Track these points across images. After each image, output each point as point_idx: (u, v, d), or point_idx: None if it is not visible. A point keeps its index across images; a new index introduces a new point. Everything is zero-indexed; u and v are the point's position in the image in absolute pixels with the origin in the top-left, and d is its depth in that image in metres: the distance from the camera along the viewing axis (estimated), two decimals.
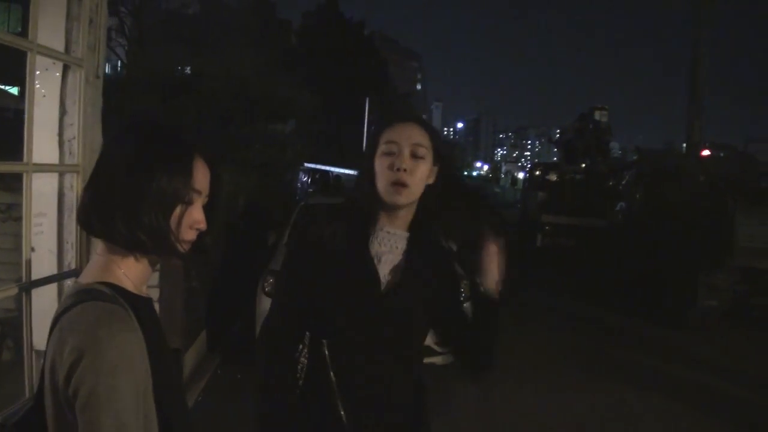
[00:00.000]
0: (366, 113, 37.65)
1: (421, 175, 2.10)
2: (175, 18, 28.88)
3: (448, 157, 2.27)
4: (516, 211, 26.89)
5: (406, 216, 2.19)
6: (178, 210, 1.54)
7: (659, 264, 11.00)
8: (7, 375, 5.03)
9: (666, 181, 11.96)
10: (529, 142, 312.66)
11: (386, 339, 2.12)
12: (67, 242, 3.58)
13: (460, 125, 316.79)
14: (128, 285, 1.56)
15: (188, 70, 11.77)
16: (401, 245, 2.20)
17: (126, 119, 3.96)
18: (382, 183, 2.10)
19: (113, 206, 1.51)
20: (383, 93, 43.29)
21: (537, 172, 21.76)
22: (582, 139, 21.40)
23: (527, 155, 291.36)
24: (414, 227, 2.22)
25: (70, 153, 3.54)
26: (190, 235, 1.58)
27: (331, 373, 2.08)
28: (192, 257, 1.70)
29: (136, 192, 1.50)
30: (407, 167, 2.06)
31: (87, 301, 1.44)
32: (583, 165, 20.54)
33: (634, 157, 17.18)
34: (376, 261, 2.16)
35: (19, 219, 5.90)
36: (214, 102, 10.27)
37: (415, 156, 2.09)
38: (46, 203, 3.51)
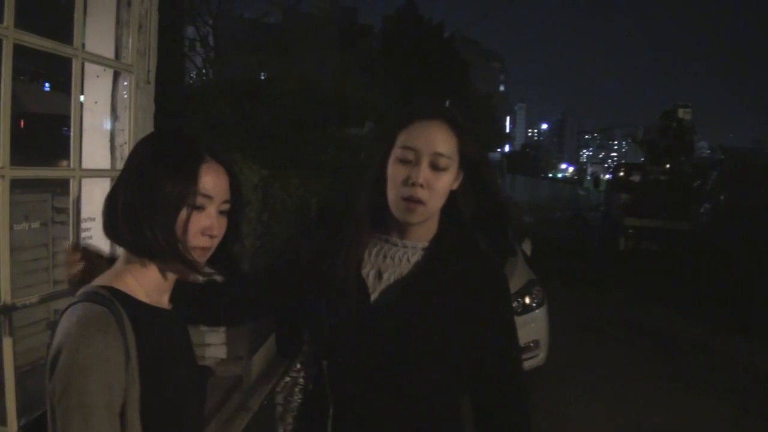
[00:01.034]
0: None
1: (441, 189, 1.79)
2: (255, 26, 29.38)
3: (481, 163, 1.87)
4: (599, 213, 26.38)
5: (424, 226, 1.87)
6: (183, 215, 1.51)
7: (744, 272, 10.52)
8: None
9: (751, 182, 11.47)
10: (616, 142, 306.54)
11: (378, 373, 1.77)
12: (118, 247, 3.61)
13: (544, 126, 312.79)
14: (139, 293, 1.56)
15: (264, 75, 11.93)
16: (415, 258, 1.86)
17: (201, 125, 4.00)
18: (393, 195, 1.80)
19: (118, 212, 1.53)
20: (464, 95, 43.04)
21: (620, 173, 21.26)
22: (665, 138, 20.86)
23: (614, 156, 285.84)
24: (437, 238, 1.88)
25: (122, 158, 3.58)
26: (201, 241, 1.55)
27: (330, 406, 1.82)
28: (224, 267, 1.71)
29: (138, 198, 1.51)
30: (424, 182, 1.75)
31: (82, 302, 1.47)
32: (668, 165, 19.98)
33: (721, 157, 16.59)
34: (374, 276, 1.85)
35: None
36: (286, 106, 10.37)
37: (435, 167, 1.77)
38: (96, 208, 3.55)
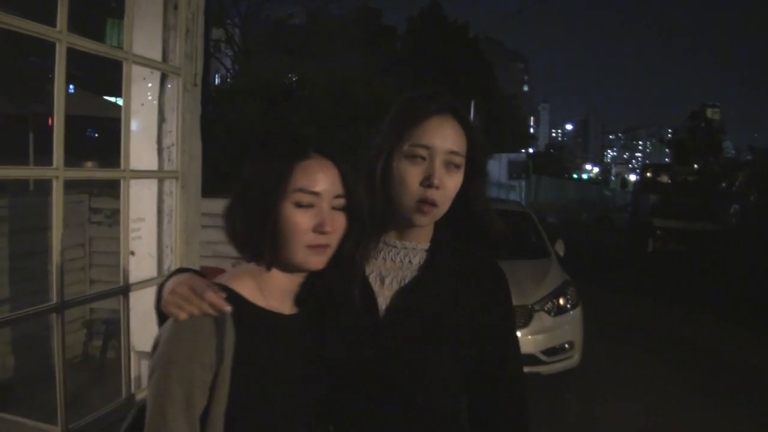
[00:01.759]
0: (471, 115, 37.43)
1: (453, 190, 1.66)
2: (281, 28, 29.53)
3: (484, 163, 1.74)
4: (626, 214, 26.20)
5: (426, 228, 1.76)
6: (287, 213, 1.47)
7: None
8: (110, 374, 5.24)
9: None
10: (640, 143, 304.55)
11: (390, 384, 1.66)
12: (167, 246, 3.67)
13: (569, 127, 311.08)
14: (254, 295, 1.53)
15: (292, 77, 11.99)
16: (416, 260, 1.75)
17: (229, 127, 4.04)
18: (403, 196, 1.65)
19: (226, 215, 1.55)
20: (489, 95, 42.98)
21: (648, 174, 21.11)
22: (694, 138, 20.72)
23: (638, 156, 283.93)
24: (437, 237, 1.78)
25: (169, 160, 3.64)
26: (314, 239, 1.49)
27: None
28: (344, 266, 1.60)
29: (235, 199, 1.53)
30: (439, 183, 1.61)
31: None
32: (696, 166, 19.82)
33: (748, 157, 16.46)
34: (376, 282, 1.73)
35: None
36: (315, 107, 10.42)
37: (449, 167, 1.64)
38: (145, 209, 3.61)
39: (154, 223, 3.66)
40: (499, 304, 1.78)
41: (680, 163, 20.77)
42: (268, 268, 1.54)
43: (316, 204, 1.48)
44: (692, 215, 16.71)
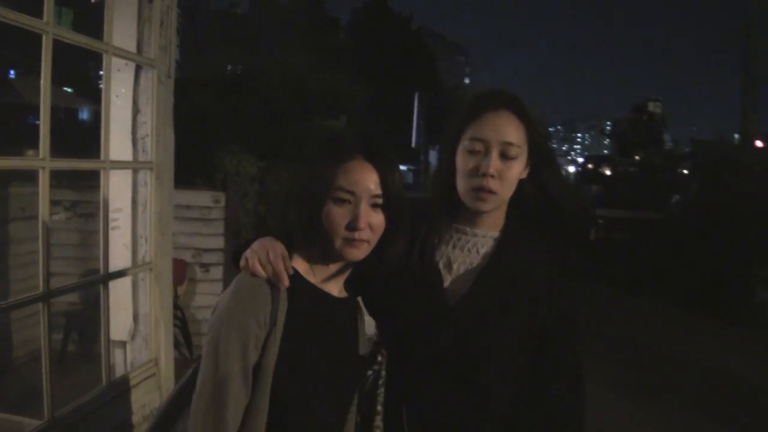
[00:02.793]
0: (415, 108, 37.64)
1: (512, 178, 1.77)
2: (226, 18, 29.24)
3: (548, 152, 1.87)
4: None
5: (494, 215, 1.84)
6: (328, 208, 1.62)
7: (715, 257, 10.84)
8: (77, 365, 5.22)
9: (722, 173, 11.81)
10: (579, 135, 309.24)
11: (455, 367, 1.76)
12: (141, 236, 3.71)
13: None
14: (308, 272, 1.69)
15: (243, 68, 11.93)
16: (484, 248, 1.84)
17: (182, 117, 4.02)
18: (463, 186, 1.78)
19: (283, 209, 1.77)
20: (432, 88, 43.20)
21: (590, 166, 21.54)
22: (636, 131, 21.19)
23: (577, 148, 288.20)
24: (506, 228, 1.87)
25: (144, 150, 3.67)
26: (349, 234, 1.62)
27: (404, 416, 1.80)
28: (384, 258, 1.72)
29: (289, 193, 1.74)
30: (495, 172, 1.74)
31: None
32: (637, 157, 20.31)
33: (686, 149, 16.96)
34: (444, 268, 1.83)
35: (83, 215, 6.18)
36: (268, 99, 10.39)
37: (505, 157, 1.75)
38: (120, 199, 3.64)
39: (129, 214, 3.70)
40: (563, 294, 1.83)
41: (622, 155, 21.23)
42: (324, 251, 1.67)
43: (353, 201, 1.62)
44: (634, 205, 17.10)
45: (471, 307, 1.76)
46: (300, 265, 1.68)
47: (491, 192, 1.74)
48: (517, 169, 1.77)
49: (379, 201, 1.65)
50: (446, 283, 1.81)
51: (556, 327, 1.81)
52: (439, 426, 1.79)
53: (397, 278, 1.76)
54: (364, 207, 1.62)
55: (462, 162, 1.78)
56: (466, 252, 1.83)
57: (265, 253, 1.60)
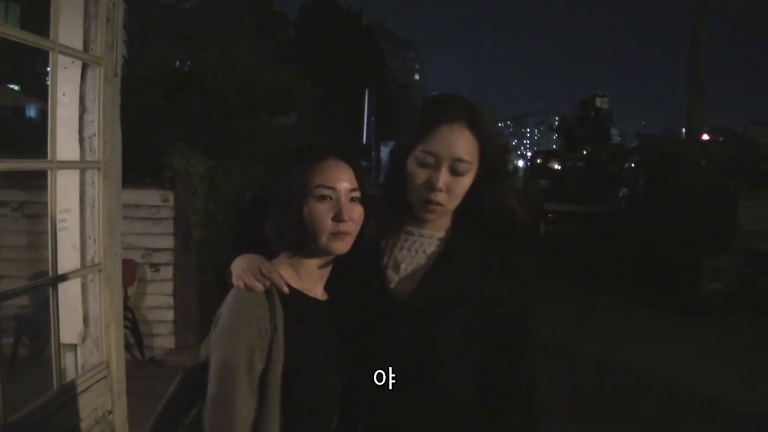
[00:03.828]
0: (366, 104, 37.61)
1: (461, 191, 1.81)
2: (173, 12, 28.87)
3: (499, 166, 1.87)
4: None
5: (442, 218, 1.88)
6: (311, 205, 1.72)
7: (663, 249, 11.09)
8: (28, 369, 5.11)
9: (668, 166, 12.05)
10: (528, 130, 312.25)
11: (406, 372, 1.77)
12: (90, 237, 3.64)
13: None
14: (293, 280, 1.78)
15: (191, 64, 11.79)
16: (431, 248, 1.87)
17: (128, 114, 3.97)
18: (413, 196, 1.82)
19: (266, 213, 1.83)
20: (382, 84, 43.23)
21: (538, 160, 21.77)
22: (583, 126, 21.46)
23: (526, 143, 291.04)
24: (454, 227, 1.90)
25: (91, 150, 3.61)
26: (334, 227, 1.72)
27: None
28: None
29: (270, 198, 1.80)
30: (444, 186, 1.77)
31: None
32: (585, 152, 20.57)
33: (634, 143, 17.25)
34: (392, 269, 1.85)
35: (31, 216, 6.06)
36: (218, 96, 10.29)
37: (455, 173, 1.78)
38: (68, 200, 3.58)
39: (77, 215, 3.63)
40: (513, 299, 1.86)
41: (570, 150, 21.50)
42: (306, 255, 1.80)
43: (334, 197, 1.74)
44: (582, 199, 17.36)
45: (416, 305, 1.79)
46: (285, 272, 1.77)
47: (439, 204, 1.80)
48: (467, 183, 1.82)
49: (357, 194, 1.77)
50: (393, 284, 1.85)
51: (509, 326, 1.85)
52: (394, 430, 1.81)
53: (350, 279, 1.82)
54: (345, 201, 1.74)
55: (412, 172, 1.81)
56: (413, 252, 1.87)
57: (257, 269, 1.69)
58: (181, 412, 1.76)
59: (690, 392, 6.53)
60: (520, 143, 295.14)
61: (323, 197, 1.73)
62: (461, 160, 1.77)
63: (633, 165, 14.12)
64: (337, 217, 1.72)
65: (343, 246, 1.75)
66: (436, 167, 1.78)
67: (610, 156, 18.35)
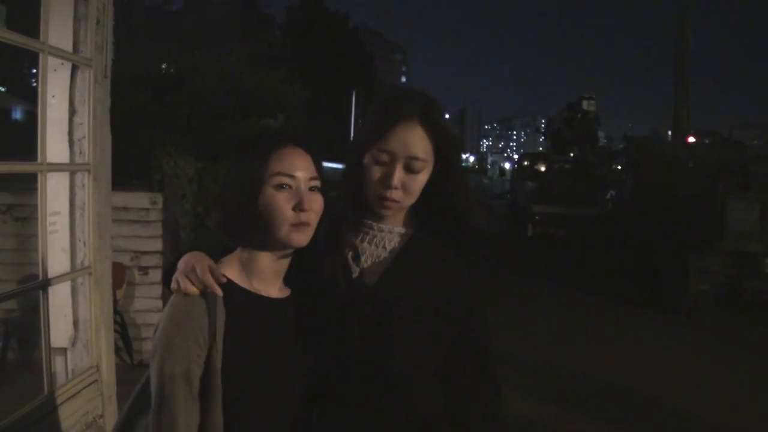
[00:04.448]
0: (353, 107, 37.66)
1: (416, 189, 1.81)
2: (160, 15, 28.83)
3: (453, 163, 1.87)
4: (505, 201, 27.01)
5: (400, 213, 1.88)
6: (268, 195, 1.63)
7: (650, 250, 11.15)
8: (17, 374, 5.08)
9: (656, 169, 12.10)
10: (514, 132, 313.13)
11: (364, 367, 1.77)
12: (80, 240, 3.63)
13: (446, 116, 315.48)
14: (241, 279, 1.70)
15: (179, 67, 11.79)
16: (392, 244, 1.87)
17: (117, 117, 3.94)
18: (369, 192, 1.81)
19: (216, 204, 1.76)
20: (369, 86, 43.28)
21: (526, 163, 21.85)
22: (570, 128, 21.58)
23: (513, 146, 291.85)
24: (413, 222, 1.91)
25: (81, 152, 3.59)
26: (294, 217, 1.63)
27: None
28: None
29: (224, 188, 1.74)
30: (399, 184, 1.77)
31: None
32: (572, 154, 20.67)
33: (621, 146, 17.34)
34: (353, 260, 1.85)
35: (20, 219, 6.01)
36: (206, 98, 10.29)
37: (410, 170, 1.78)
38: (58, 202, 3.55)
39: (67, 217, 3.61)
40: (467, 294, 1.87)
41: (557, 152, 21.62)
42: (256, 250, 1.70)
43: (293, 186, 1.65)
44: (569, 201, 17.45)
45: (375, 300, 1.78)
46: (233, 272, 1.69)
47: (395, 201, 1.78)
48: (422, 180, 1.81)
49: (317, 184, 1.70)
50: (354, 275, 1.83)
51: (457, 326, 1.85)
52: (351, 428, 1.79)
53: (311, 271, 1.80)
54: (305, 189, 1.66)
55: (368, 169, 1.80)
56: (374, 246, 1.86)
57: (191, 270, 1.62)
58: (139, 418, 1.74)
59: (678, 392, 6.55)
60: (507, 146, 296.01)
61: (281, 186, 1.64)
62: (416, 158, 1.77)
63: (620, 167, 14.17)
64: (298, 207, 1.63)
65: (303, 237, 1.67)
66: (391, 165, 1.77)
67: (598, 158, 18.45)
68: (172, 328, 1.55)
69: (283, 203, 1.63)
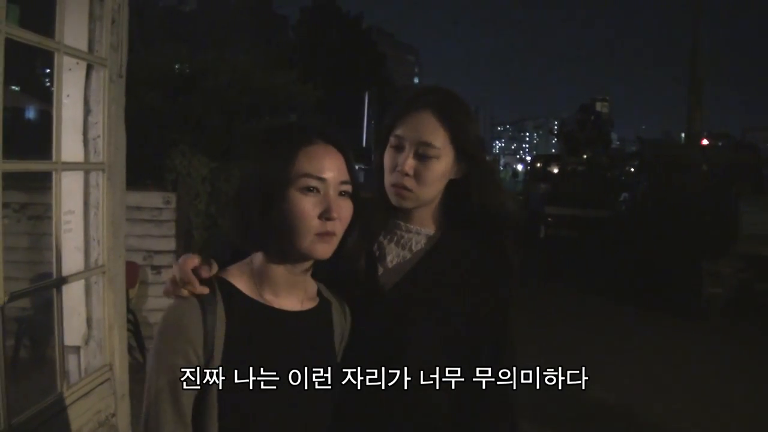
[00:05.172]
0: (366, 108, 37.65)
1: (430, 178, 1.76)
2: (173, 16, 28.95)
3: (475, 156, 1.82)
4: (518, 203, 26.99)
5: (423, 212, 1.85)
6: (293, 200, 1.45)
7: (663, 253, 11.10)
8: (30, 372, 5.10)
9: (670, 171, 12.07)
10: (527, 134, 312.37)
11: (384, 355, 1.73)
12: (94, 239, 3.63)
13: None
14: (249, 288, 1.53)
15: (192, 67, 11.82)
16: (418, 246, 1.83)
17: (130, 117, 3.96)
18: (386, 181, 1.81)
19: (230, 205, 1.61)
20: (381, 87, 43.25)
21: (539, 164, 21.85)
22: (584, 130, 21.57)
23: (525, 147, 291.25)
24: (441, 222, 1.87)
25: (95, 151, 3.60)
26: (320, 226, 1.46)
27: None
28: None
29: (240, 187, 1.56)
30: (410, 170, 1.74)
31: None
32: (585, 156, 20.63)
33: (634, 148, 17.31)
34: (377, 261, 1.82)
35: (33, 218, 6.04)
36: (219, 98, 10.32)
37: (421, 157, 1.75)
38: (72, 201, 3.57)
39: (81, 216, 3.62)
40: (494, 291, 1.81)
41: (570, 154, 21.57)
42: (272, 258, 1.53)
43: (322, 190, 1.47)
44: (582, 203, 17.42)
45: (395, 301, 1.76)
46: (241, 280, 1.54)
47: (406, 189, 1.76)
48: (438, 170, 1.77)
49: (348, 188, 1.52)
50: (380, 277, 1.81)
51: (485, 326, 1.80)
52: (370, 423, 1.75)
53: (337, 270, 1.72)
54: (334, 195, 1.49)
55: (386, 158, 1.82)
56: (400, 247, 1.84)
57: (178, 272, 1.51)
58: None
59: (690, 395, 6.52)
60: (519, 147, 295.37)
61: (309, 189, 1.45)
62: (426, 144, 1.75)
63: (633, 169, 14.14)
64: (325, 215, 1.45)
65: (327, 249, 1.49)
66: (403, 151, 1.77)
67: (610, 160, 18.43)
68: (161, 340, 1.44)
69: (309, 209, 1.44)
